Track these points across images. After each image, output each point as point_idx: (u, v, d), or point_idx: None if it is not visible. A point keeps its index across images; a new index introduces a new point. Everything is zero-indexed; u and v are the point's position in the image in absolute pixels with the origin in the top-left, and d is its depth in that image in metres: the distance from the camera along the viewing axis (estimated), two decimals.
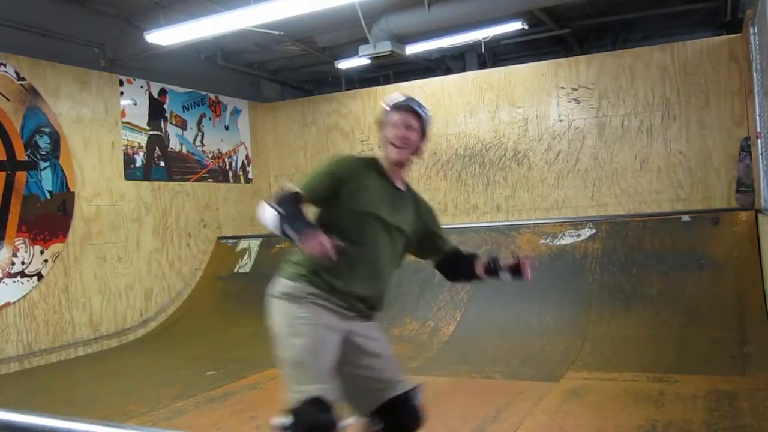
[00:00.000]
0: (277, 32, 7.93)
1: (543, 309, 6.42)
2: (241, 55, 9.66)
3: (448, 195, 9.19)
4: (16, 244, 6.67)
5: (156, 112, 8.60)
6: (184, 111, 9.07)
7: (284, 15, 6.36)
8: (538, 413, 4.21)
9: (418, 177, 9.38)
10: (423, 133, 2.62)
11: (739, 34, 7.60)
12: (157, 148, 8.57)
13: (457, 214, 9.04)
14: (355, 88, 10.58)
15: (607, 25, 9.24)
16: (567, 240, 6.97)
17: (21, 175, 6.79)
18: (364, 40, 7.80)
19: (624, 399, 4.40)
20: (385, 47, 7.68)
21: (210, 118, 9.56)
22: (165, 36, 6.95)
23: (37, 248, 6.86)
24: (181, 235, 8.76)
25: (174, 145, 8.86)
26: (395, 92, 2.90)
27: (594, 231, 6.92)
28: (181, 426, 4.37)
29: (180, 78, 8.95)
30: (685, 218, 6.73)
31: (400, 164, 2.62)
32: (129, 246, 7.94)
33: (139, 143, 8.27)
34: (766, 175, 6.28)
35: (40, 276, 6.86)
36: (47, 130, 7.09)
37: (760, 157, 6.31)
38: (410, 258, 2.79)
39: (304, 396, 2.31)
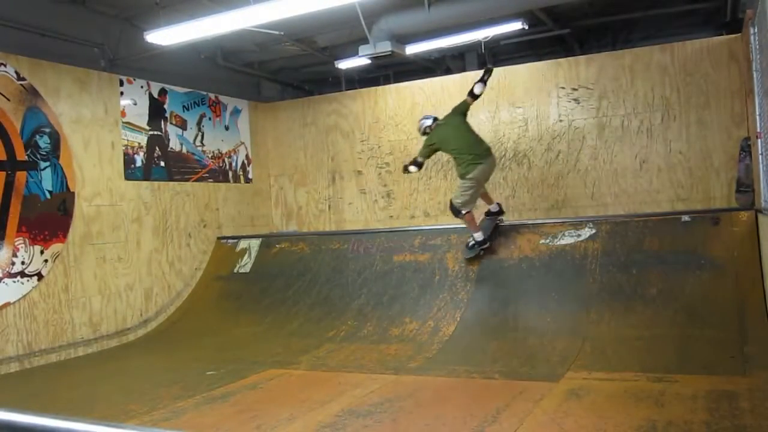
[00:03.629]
0: (277, 32, 7.92)
1: (543, 309, 6.43)
2: (241, 55, 9.66)
3: (448, 195, 9.14)
4: (16, 244, 6.67)
5: (156, 112, 8.60)
6: (184, 111, 9.08)
7: (284, 15, 6.36)
8: (538, 413, 4.20)
9: (418, 177, 9.39)
10: None
11: (739, 34, 7.60)
12: (157, 148, 8.57)
13: None
14: (355, 88, 10.57)
15: (607, 25, 9.23)
16: (567, 240, 6.97)
17: (21, 175, 6.79)
18: (364, 40, 7.80)
19: (624, 399, 4.40)
20: (385, 47, 7.68)
21: (210, 118, 9.56)
22: (165, 36, 6.94)
23: (37, 248, 6.86)
24: (181, 235, 8.76)
25: (174, 145, 8.87)
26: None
27: (594, 231, 6.92)
28: (181, 426, 4.36)
29: (180, 78, 8.95)
30: (685, 218, 6.73)
31: None
32: (129, 246, 7.94)
33: (139, 143, 8.27)
34: (766, 175, 6.27)
35: (40, 276, 6.86)
36: (47, 130, 7.09)
37: (760, 157, 6.30)
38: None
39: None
